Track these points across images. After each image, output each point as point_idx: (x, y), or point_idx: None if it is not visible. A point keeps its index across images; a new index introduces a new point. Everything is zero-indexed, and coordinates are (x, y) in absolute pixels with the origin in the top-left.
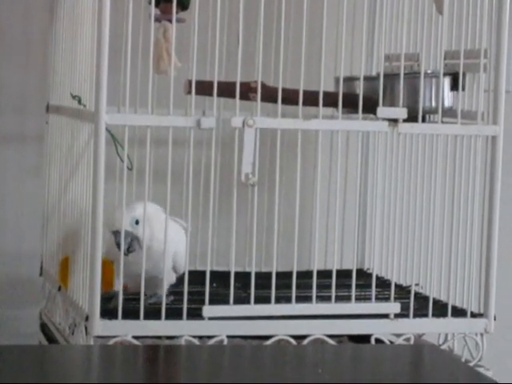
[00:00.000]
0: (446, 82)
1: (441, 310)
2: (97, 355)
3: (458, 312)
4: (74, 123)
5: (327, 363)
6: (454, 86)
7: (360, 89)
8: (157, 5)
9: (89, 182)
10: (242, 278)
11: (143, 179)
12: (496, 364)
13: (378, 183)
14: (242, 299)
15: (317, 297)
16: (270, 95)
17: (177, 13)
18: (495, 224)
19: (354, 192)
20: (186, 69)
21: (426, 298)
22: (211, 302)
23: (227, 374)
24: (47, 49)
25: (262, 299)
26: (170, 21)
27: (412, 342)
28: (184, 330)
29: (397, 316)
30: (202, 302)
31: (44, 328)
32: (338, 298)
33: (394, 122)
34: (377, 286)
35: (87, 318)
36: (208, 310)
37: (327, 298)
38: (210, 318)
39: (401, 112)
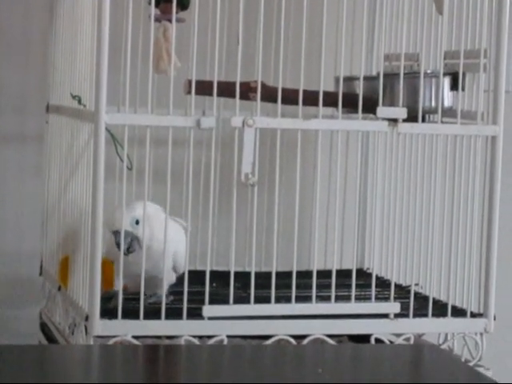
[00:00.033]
0: (446, 82)
1: (440, 309)
2: (97, 355)
3: (458, 312)
4: (74, 123)
5: (327, 363)
6: (454, 86)
7: (360, 88)
8: (157, 5)
9: (89, 181)
10: (242, 277)
11: (143, 179)
12: (496, 364)
13: (377, 183)
14: (241, 299)
15: (317, 297)
16: (269, 95)
17: (177, 13)
18: (495, 224)
19: (353, 192)
20: (186, 69)
21: (426, 298)
22: (211, 302)
23: (227, 374)
24: (47, 49)
25: (262, 299)
26: (170, 20)
27: (412, 341)
28: (184, 329)
29: (397, 316)
30: (202, 302)
31: (44, 328)
32: (338, 298)
33: (393, 121)
34: (377, 286)
35: (87, 318)
36: (208, 309)
37: (327, 298)
38: (210, 318)
39: (400, 112)
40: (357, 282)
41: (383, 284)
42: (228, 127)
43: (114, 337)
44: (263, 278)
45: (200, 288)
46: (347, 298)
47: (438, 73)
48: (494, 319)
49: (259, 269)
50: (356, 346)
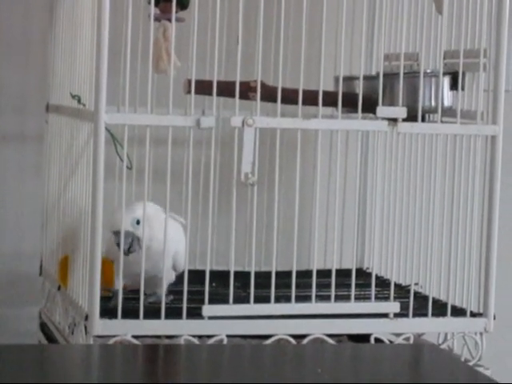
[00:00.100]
0: (446, 82)
1: (440, 309)
2: (96, 355)
3: (458, 311)
4: (74, 123)
5: (327, 362)
6: (454, 86)
7: (359, 88)
8: (156, 4)
9: (88, 181)
10: (242, 277)
11: (143, 179)
12: (495, 363)
13: (377, 183)
14: (241, 298)
15: (316, 296)
16: (269, 94)
17: (176, 12)
18: (495, 223)
19: (353, 191)
20: (186, 68)
21: (426, 298)
22: (211, 302)
23: (227, 374)
24: (47, 49)
25: (262, 299)
26: (170, 20)
27: (411, 341)
28: (183, 329)
29: (396, 315)
30: (202, 302)
31: (44, 327)
32: (338, 298)
33: (393, 121)
34: (376, 286)
35: (87, 318)
36: (207, 309)
37: (327, 298)
38: (210, 318)
39: (400, 111)
40: (356, 281)
41: (383, 283)
42: (228, 127)
43: (113, 336)
44: (263, 278)
45: (200, 287)
46: (347, 298)
47: (437, 72)
48: (494, 319)
49: (259, 268)
50: (356, 345)
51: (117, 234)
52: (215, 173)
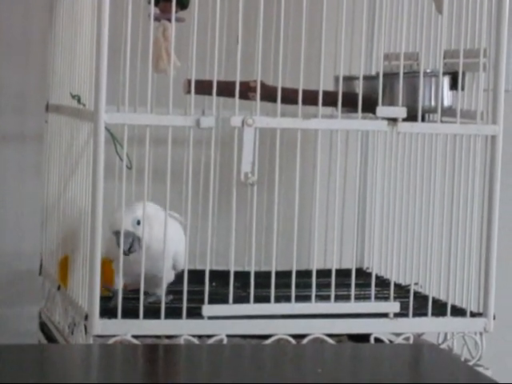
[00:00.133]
0: (446, 82)
1: (440, 309)
2: (96, 354)
3: (458, 311)
4: (74, 122)
5: (327, 362)
6: (454, 86)
7: (359, 88)
8: (156, 4)
9: (88, 181)
10: (242, 277)
11: (142, 178)
12: (495, 363)
13: (377, 182)
14: (241, 298)
15: (316, 296)
16: (269, 94)
17: (176, 12)
18: (495, 223)
19: (353, 191)
20: (186, 68)
21: (426, 298)
22: (211, 302)
23: (227, 374)
24: (47, 48)
25: (262, 298)
26: (170, 20)
27: (411, 341)
28: (183, 329)
29: (396, 315)
30: (202, 302)
31: (43, 327)
32: (338, 298)
33: (393, 121)
34: (376, 286)
35: (87, 317)
36: (207, 309)
37: (327, 298)
38: (210, 318)
39: (400, 111)
40: (356, 281)
41: (383, 283)
42: (227, 127)
43: (113, 336)
44: (263, 278)
45: (199, 287)
46: (347, 298)
47: (437, 72)
48: (494, 319)
49: (259, 268)
50: (355, 345)
51: (117, 234)
52: (215, 173)
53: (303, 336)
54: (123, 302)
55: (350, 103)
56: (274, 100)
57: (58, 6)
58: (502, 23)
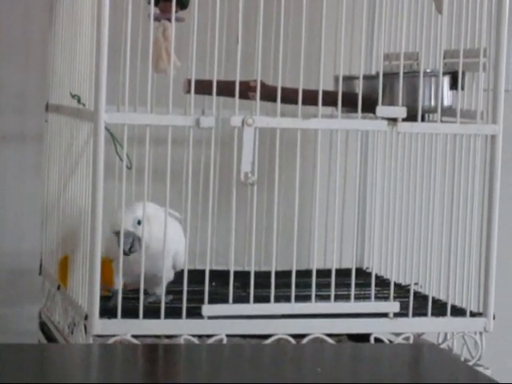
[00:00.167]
0: (446, 81)
1: (440, 309)
2: (96, 354)
3: (458, 311)
4: (74, 122)
5: (326, 362)
6: (454, 85)
7: (359, 88)
8: (156, 4)
9: (88, 180)
10: (242, 277)
11: (142, 178)
12: (495, 363)
13: (377, 182)
14: (241, 298)
15: (316, 296)
16: (269, 94)
17: (176, 12)
18: (494, 223)
19: (353, 191)
20: (186, 68)
21: (426, 297)
22: (210, 301)
23: (227, 373)
24: (47, 48)
25: (262, 298)
26: (170, 20)
27: (411, 341)
28: (183, 329)
29: (396, 315)
30: (202, 301)
31: (43, 327)
32: (338, 297)
33: (393, 121)
34: (376, 285)
35: (86, 317)
36: (207, 309)
37: (326, 297)
38: (210, 317)
39: (400, 111)
40: (356, 281)
41: (383, 283)
42: (227, 126)
43: (113, 336)
44: (263, 278)
45: (199, 287)
46: (347, 298)
47: (437, 72)
48: (494, 318)
49: (259, 268)
50: (355, 345)
51: (118, 234)
52: (215, 172)
53: (303, 336)
54: (123, 301)
55: (349, 103)
56: (274, 100)
57: (58, 5)
58: (502, 23)
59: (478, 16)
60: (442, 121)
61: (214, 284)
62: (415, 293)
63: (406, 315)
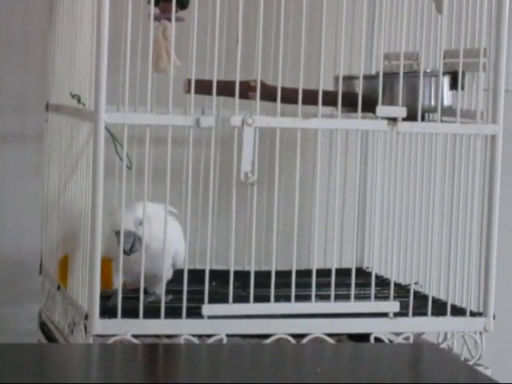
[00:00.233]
0: (446, 81)
1: (440, 308)
2: (96, 354)
3: (458, 311)
4: (74, 122)
5: (326, 362)
6: (454, 85)
7: (359, 88)
8: (156, 4)
9: (88, 180)
10: (242, 276)
11: (142, 178)
12: (495, 363)
13: (377, 182)
14: (241, 298)
15: (316, 295)
16: (269, 94)
17: (176, 12)
18: (494, 223)
19: (353, 191)
20: (186, 68)
21: (426, 297)
22: (210, 301)
23: (227, 373)
24: (47, 48)
25: (262, 298)
26: (170, 20)
27: (411, 340)
28: (183, 328)
29: (396, 315)
30: (202, 301)
31: (43, 327)
32: (338, 297)
33: (393, 120)
34: (376, 285)
35: (86, 317)
36: (207, 308)
37: (326, 297)
38: (210, 317)
39: (400, 111)
40: (356, 280)
41: (383, 283)
42: (227, 126)
43: (113, 336)
44: (263, 277)
45: (199, 287)
46: (347, 297)
47: (437, 72)
48: (494, 318)
49: (259, 268)
50: (355, 345)
51: (119, 233)
52: (215, 172)
53: (303, 335)
54: (123, 301)
55: (349, 103)
56: (274, 99)
57: (58, 5)
58: (502, 23)
59: (478, 16)
60: (441, 121)
61: (213, 284)
62: (415, 292)
63: (405, 315)
